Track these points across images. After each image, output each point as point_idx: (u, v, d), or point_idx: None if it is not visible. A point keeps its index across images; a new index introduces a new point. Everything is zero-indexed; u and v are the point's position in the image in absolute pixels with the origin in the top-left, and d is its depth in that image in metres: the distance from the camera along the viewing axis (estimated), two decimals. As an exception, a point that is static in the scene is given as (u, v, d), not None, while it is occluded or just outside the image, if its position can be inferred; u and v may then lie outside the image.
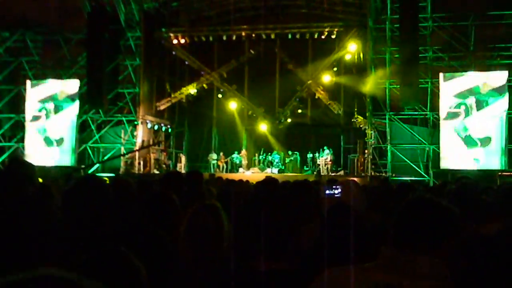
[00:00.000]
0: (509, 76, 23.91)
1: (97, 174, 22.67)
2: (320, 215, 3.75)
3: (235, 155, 28.78)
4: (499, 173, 22.94)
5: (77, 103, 27.52)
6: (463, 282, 2.29)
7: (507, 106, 23.54)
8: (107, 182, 3.46)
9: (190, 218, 3.14)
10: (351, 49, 27.18)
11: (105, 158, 27.56)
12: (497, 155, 23.56)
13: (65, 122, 27.49)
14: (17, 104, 28.51)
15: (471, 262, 2.27)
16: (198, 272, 2.98)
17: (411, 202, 2.30)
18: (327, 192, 3.76)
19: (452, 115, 24.03)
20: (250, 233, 3.94)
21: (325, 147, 27.29)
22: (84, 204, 3.05)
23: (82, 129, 27.99)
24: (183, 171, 26.74)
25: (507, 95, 23.62)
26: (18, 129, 28.44)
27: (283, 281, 2.84)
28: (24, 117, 27.93)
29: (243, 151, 28.94)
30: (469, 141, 23.73)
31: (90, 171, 25.84)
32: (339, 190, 3.73)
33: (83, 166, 26.23)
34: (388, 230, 2.29)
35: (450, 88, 24.19)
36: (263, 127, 29.71)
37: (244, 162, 28.52)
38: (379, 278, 2.07)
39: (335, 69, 28.39)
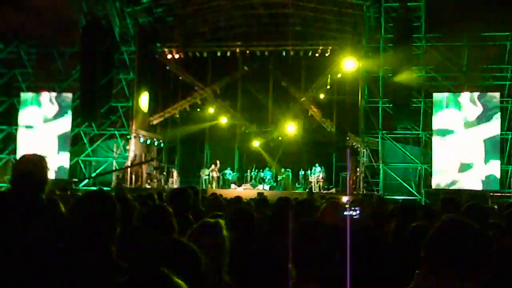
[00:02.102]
0: (500, 97, 24.13)
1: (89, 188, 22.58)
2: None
3: (227, 171, 28.71)
4: (491, 194, 23.05)
5: (69, 116, 27.45)
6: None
7: (498, 127, 23.74)
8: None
9: (189, 237, 3.03)
10: (345, 68, 27.32)
11: (97, 172, 27.41)
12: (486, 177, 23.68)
13: (58, 135, 27.38)
14: (10, 115, 28.31)
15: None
16: None
17: (445, 225, 2.23)
18: (346, 213, 3.74)
19: (444, 135, 24.18)
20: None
21: (316, 164, 27.30)
22: (92, 215, 3.05)
23: (75, 142, 27.84)
24: (175, 186, 26.69)
25: (499, 116, 23.82)
26: (10, 141, 28.20)
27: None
28: (16, 129, 27.78)
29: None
30: (459, 161, 23.87)
31: (81, 185, 25.70)
32: (358, 211, 3.70)
33: (75, 180, 26.08)
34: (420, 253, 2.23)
35: (443, 108, 24.37)
36: (255, 143, 29.75)
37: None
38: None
39: (328, 87, 28.56)
